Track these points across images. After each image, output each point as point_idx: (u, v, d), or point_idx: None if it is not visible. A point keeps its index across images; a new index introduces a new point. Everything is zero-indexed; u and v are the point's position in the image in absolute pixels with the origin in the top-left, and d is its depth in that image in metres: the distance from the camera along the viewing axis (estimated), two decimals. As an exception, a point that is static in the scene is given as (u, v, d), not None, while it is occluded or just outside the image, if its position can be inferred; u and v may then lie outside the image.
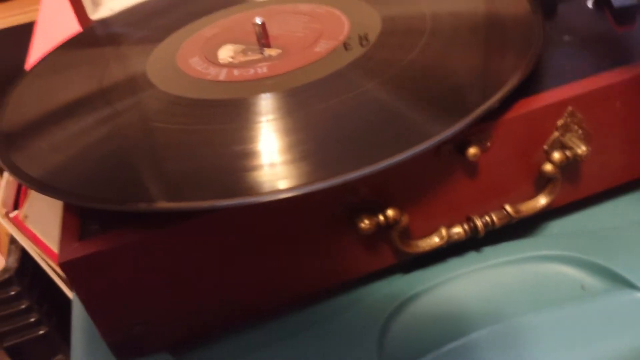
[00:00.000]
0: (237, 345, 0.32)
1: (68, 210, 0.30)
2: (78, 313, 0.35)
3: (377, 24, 0.37)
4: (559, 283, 0.32)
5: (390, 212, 0.29)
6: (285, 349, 0.31)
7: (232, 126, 0.30)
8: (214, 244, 0.28)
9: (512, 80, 0.29)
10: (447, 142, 0.29)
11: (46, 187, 0.29)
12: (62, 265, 0.27)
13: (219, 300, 0.30)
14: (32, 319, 0.64)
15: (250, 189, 0.26)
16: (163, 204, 0.26)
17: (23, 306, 0.63)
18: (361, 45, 0.35)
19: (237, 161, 0.28)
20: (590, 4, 0.38)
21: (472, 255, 0.34)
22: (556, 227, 0.36)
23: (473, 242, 0.34)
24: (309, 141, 0.28)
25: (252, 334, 0.33)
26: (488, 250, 0.34)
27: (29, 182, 0.30)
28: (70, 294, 0.66)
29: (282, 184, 0.25)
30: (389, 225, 0.30)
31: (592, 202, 0.36)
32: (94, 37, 0.46)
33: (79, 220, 0.29)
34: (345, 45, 0.35)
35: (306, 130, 0.29)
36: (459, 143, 0.29)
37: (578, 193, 0.34)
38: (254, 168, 0.27)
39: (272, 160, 0.27)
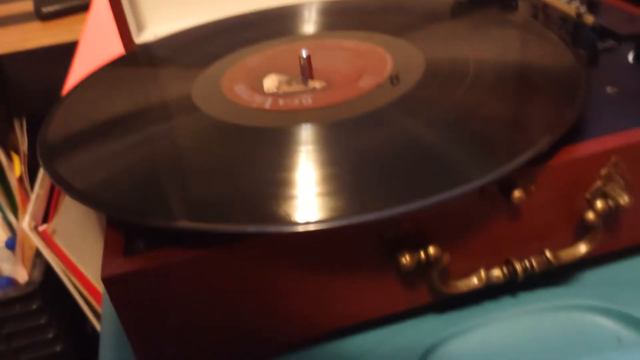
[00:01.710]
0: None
1: (111, 225, 0.30)
2: (107, 330, 0.35)
3: (421, 63, 0.38)
4: (594, 334, 0.32)
5: (432, 250, 0.29)
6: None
7: (276, 153, 0.31)
8: (255, 271, 0.28)
9: (561, 126, 0.29)
10: (493, 183, 0.29)
11: (90, 200, 0.29)
12: (104, 280, 0.27)
13: (253, 330, 0.30)
14: (50, 335, 0.63)
15: (295, 216, 0.26)
16: (204, 225, 0.26)
17: (42, 321, 0.62)
18: (396, 83, 0.35)
19: (279, 189, 0.28)
20: (631, 58, 0.39)
21: (507, 300, 0.34)
22: (593, 276, 0.35)
23: (508, 287, 0.34)
24: (351, 173, 0.28)
25: (282, 364, 0.33)
26: (523, 296, 0.34)
27: (72, 192, 0.30)
28: (89, 312, 0.66)
29: (322, 214, 0.26)
30: (430, 263, 0.30)
31: (631, 253, 0.36)
32: (141, 58, 0.47)
33: (123, 236, 0.29)
34: (392, 80, 0.36)
35: (349, 162, 0.29)
36: (504, 185, 0.30)
37: (617, 243, 0.34)
38: (294, 197, 0.27)
39: (323, 190, 0.28)
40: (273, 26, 0.48)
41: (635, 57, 0.38)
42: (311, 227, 0.25)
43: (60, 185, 0.31)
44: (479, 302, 0.34)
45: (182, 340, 0.30)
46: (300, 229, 0.26)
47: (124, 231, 0.29)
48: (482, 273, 0.31)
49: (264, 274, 0.29)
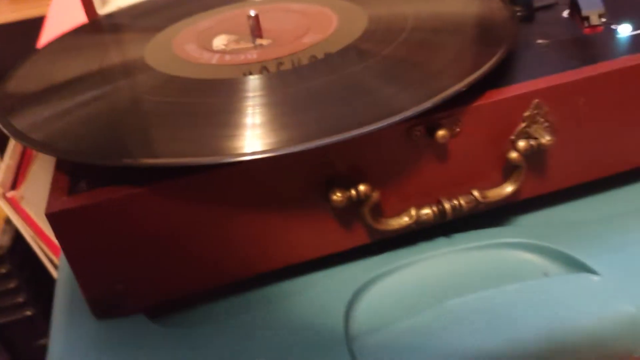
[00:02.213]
0: (212, 311, 0.34)
1: (59, 168, 0.32)
2: (63, 276, 0.37)
3: (364, 21, 0.40)
4: (522, 269, 0.34)
5: (361, 187, 0.31)
6: (257, 318, 0.32)
7: (218, 100, 0.32)
8: (191, 206, 0.30)
9: (480, 68, 0.31)
10: (418, 124, 0.31)
11: (33, 142, 0.31)
12: (49, 217, 0.29)
13: (194, 263, 0.32)
14: (20, 300, 0.65)
15: (226, 149, 0.28)
16: (141, 160, 0.28)
17: (12, 285, 0.64)
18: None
19: (218, 129, 0.30)
20: (565, 14, 0.40)
21: (441, 240, 0.36)
22: (526, 219, 0.37)
23: (444, 229, 0.36)
24: (287, 114, 0.30)
25: (226, 302, 0.34)
26: (458, 236, 0.36)
27: (21, 138, 0.32)
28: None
29: (256, 146, 0.27)
30: (360, 200, 0.31)
31: (561, 198, 0.38)
32: (100, 27, 0.49)
33: (69, 178, 0.31)
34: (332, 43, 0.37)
35: (285, 105, 0.31)
36: (429, 126, 0.31)
37: (545, 187, 0.36)
38: (234, 135, 0.29)
39: (251, 128, 0.29)
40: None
41: (570, 13, 0.40)
42: (247, 157, 0.27)
43: (14, 136, 0.33)
44: (415, 243, 0.36)
45: (127, 277, 0.31)
46: (240, 158, 0.27)
47: (70, 174, 0.31)
48: (413, 212, 0.33)
49: (201, 211, 0.30)
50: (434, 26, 0.38)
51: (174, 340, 0.32)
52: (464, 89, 0.30)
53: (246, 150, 0.27)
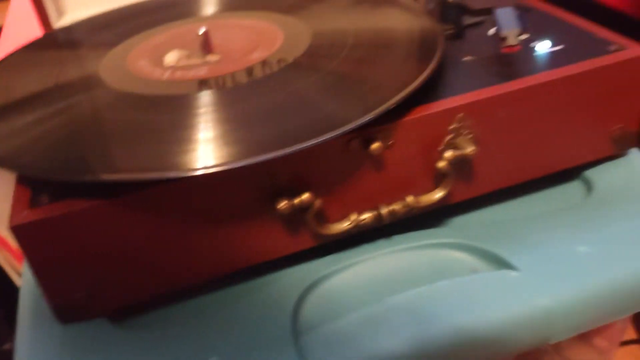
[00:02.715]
0: (171, 314, 0.36)
1: (20, 182, 0.34)
2: (27, 282, 0.39)
3: (308, 37, 0.42)
4: (453, 266, 0.38)
5: (305, 196, 0.34)
6: (213, 320, 0.35)
7: (168, 117, 0.35)
8: (147, 217, 0.32)
9: (408, 87, 0.35)
10: (355, 137, 0.34)
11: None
12: (13, 229, 0.31)
13: (152, 270, 0.34)
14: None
15: (176, 165, 0.30)
16: (98, 176, 0.30)
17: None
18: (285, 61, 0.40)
19: (169, 145, 0.32)
20: (491, 32, 0.44)
21: (382, 242, 0.39)
22: (458, 220, 0.41)
23: (386, 231, 0.39)
24: (234, 130, 0.33)
25: (184, 305, 0.37)
26: (397, 238, 0.39)
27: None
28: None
29: (205, 162, 0.30)
30: (304, 207, 0.34)
31: (489, 201, 0.42)
32: (55, 41, 0.50)
33: (30, 191, 0.33)
34: (278, 59, 0.40)
35: (232, 121, 0.34)
36: (365, 139, 0.34)
37: (472, 191, 0.39)
38: (184, 150, 0.32)
39: (201, 144, 0.32)
40: (181, 9, 0.52)
41: (495, 31, 0.44)
42: (197, 172, 0.30)
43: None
44: (359, 245, 0.39)
45: (89, 284, 0.34)
46: (190, 173, 0.30)
47: (32, 188, 0.33)
48: (353, 217, 0.36)
49: (157, 222, 0.33)
50: (371, 43, 0.41)
51: (134, 343, 0.34)
52: (394, 106, 0.33)
53: (196, 165, 0.30)
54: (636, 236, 0.37)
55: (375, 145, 0.34)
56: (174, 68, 0.41)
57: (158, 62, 0.42)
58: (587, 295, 0.34)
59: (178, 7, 0.52)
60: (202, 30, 0.42)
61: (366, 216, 0.37)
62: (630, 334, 0.79)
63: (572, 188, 0.43)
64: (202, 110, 0.35)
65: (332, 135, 0.31)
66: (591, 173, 0.42)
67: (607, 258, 0.35)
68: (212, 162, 0.30)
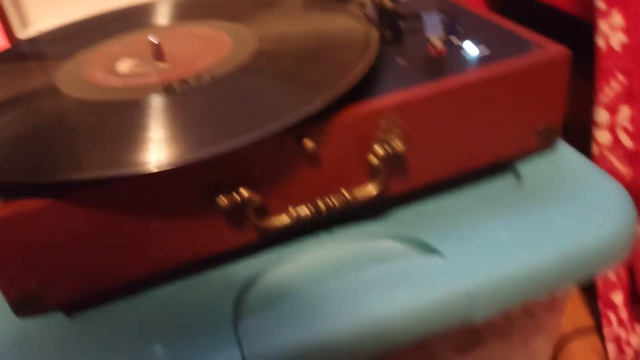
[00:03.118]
0: (119, 306, 0.39)
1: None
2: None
3: (254, 43, 0.45)
4: (387, 254, 0.40)
5: (244, 192, 0.37)
6: (160, 310, 0.38)
7: (118, 121, 0.37)
8: (96, 215, 0.35)
9: (343, 86, 0.37)
10: (290, 135, 0.37)
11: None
12: (-34, 229, 0.33)
13: (101, 265, 0.37)
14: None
15: (122, 163, 0.33)
16: (54, 177, 0.33)
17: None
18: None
19: (119, 145, 0.35)
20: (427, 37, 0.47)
21: (323, 235, 0.42)
22: (397, 212, 0.44)
23: (327, 224, 0.42)
24: (179, 130, 0.35)
25: (134, 297, 0.39)
26: (337, 231, 0.42)
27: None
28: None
29: (150, 160, 0.33)
30: (244, 203, 0.37)
31: (423, 193, 0.45)
32: (17, 53, 0.53)
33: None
34: (224, 65, 0.43)
35: (177, 122, 0.36)
36: (299, 137, 0.37)
37: (405, 185, 0.42)
38: (132, 150, 0.34)
39: (148, 144, 0.34)
40: (136, 19, 0.54)
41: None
42: (141, 171, 0.32)
43: None
44: (301, 238, 0.42)
45: (42, 278, 0.36)
46: (132, 171, 0.32)
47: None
48: (292, 211, 0.39)
49: (106, 219, 0.35)
50: (311, 46, 0.44)
51: (87, 334, 0.36)
52: (323, 106, 0.36)
53: (139, 164, 0.33)
54: (555, 221, 0.40)
55: (308, 143, 0.37)
56: (126, 76, 0.43)
57: (112, 70, 0.44)
58: (505, 276, 0.36)
59: (133, 18, 0.54)
60: (153, 40, 0.45)
61: (304, 210, 0.39)
62: (587, 321, 0.82)
63: (504, 180, 0.46)
64: (148, 113, 0.38)
65: (264, 133, 0.34)
66: (521, 165, 0.45)
67: (527, 242, 0.38)
68: (155, 161, 0.33)
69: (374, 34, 0.44)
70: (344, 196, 0.40)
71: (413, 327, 0.36)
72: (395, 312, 0.36)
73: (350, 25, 0.47)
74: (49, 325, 0.37)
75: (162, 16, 0.55)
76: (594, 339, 0.80)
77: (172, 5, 0.56)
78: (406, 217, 0.43)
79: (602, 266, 0.39)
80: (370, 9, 0.50)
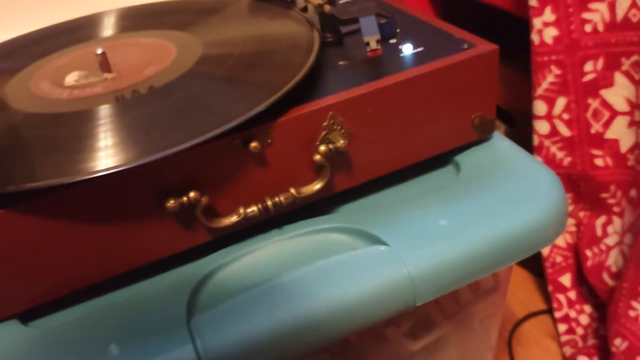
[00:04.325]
0: (74, 312, 0.40)
1: None
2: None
3: (199, 50, 0.47)
4: (335, 247, 0.42)
5: (191, 194, 0.38)
6: (113, 313, 0.39)
7: (67, 131, 0.38)
8: (48, 223, 0.36)
9: (283, 89, 0.39)
10: (235, 138, 0.38)
11: None
12: None
13: (55, 271, 0.38)
14: None
15: (69, 171, 0.34)
16: (6, 188, 0.34)
17: None
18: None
19: (65, 154, 0.36)
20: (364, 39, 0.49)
21: (274, 232, 0.44)
22: (344, 207, 0.46)
23: (278, 222, 0.44)
24: (124, 138, 0.37)
25: (90, 303, 0.40)
26: (287, 227, 0.44)
27: None
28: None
29: (96, 167, 0.34)
30: (192, 204, 0.38)
31: (373, 188, 0.47)
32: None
33: None
34: (167, 72, 0.44)
35: (122, 130, 0.37)
36: (244, 139, 0.39)
37: (351, 181, 0.44)
38: (79, 158, 0.35)
39: (94, 152, 0.36)
40: (83, 32, 0.55)
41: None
42: (90, 176, 0.34)
43: None
44: (253, 236, 0.43)
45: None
46: (80, 177, 0.34)
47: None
48: (241, 210, 0.41)
49: (58, 225, 0.36)
50: (255, 50, 0.45)
51: (43, 341, 0.37)
52: (264, 108, 0.38)
53: (88, 170, 0.34)
54: (491, 207, 0.42)
55: (253, 144, 0.38)
56: (72, 87, 0.44)
57: (59, 82, 0.45)
58: (443, 262, 0.39)
59: (79, 31, 0.55)
60: (99, 51, 0.46)
61: (253, 209, 0.41)
62: (540, 305, 0.86)
63: (444, 172, 0.48)
64: (95, 123, 0.39)
65: (210, 136, 0.35)
66: (460, 157, 0.48)
67: (463, 228, 0.40)
68: (104, 167, 0.34)
69: (316, 37, 0.46)
70: (291, 194, 0.42)
71: (363, 313, 0.38)
72: (345, 300, 0.38)
73: (293, 29, 0.49)
74: (5, 334, 0.37)
75: (108, 28, 0.56)
76: (546, 321, 0.84)
77: (117, 16, 0.57)
78: (353, 211, 0.45)
79: (536, 246, 0.42)
80: (312, 14, 0.52)
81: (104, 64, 0.46)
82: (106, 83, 0.44)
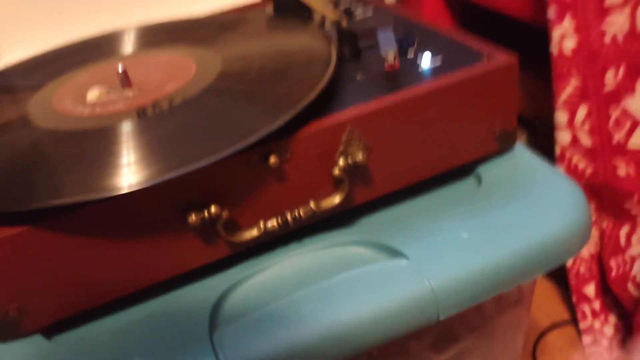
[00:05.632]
0: (98, 327, 0.40)
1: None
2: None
3: (218, 66, 0.47)
4: (355, 260, 0.42)
5: (212, 209, 0.38)
6: (137, 327, 0.39)
7: (90, 148, 0.39)
8: (71, 239, 0.36)
9: (301, 103, 0.39)
10: (254, 153, 0.39)
11: None
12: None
13: (79, 286, 0.38)
14: None
15: (94, 188, 0.34)
16: (31, 205, 0.34)
17: None
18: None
19: (89, 171, 0.36)
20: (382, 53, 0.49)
21: (294, 245, 0.44)
22: (364, 220, 0.46)
23: (297, 235, 0.44)
24: (147, 155, 0.37)
25: (113, 318, 0.40)
26: (307, 241, 0.44)
27: None
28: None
29: (119, 184, 0.34)
30: (213, 219, 0.39)
31: (388, 201, 0.46)
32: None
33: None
34: (188, 89, 0.45)
35: (145, 147, 0.38)
36: (263, 154, 0.39)
37: (370, 194, 0.44)
38: (104, 175, 0.36)
39: (117, 169, 0.36)
40: (103, 48, 0.56)
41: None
42: (113, 193, 0.34)
43: None
44: (273, 249, 0.43)
45: (21, 303, 0.37)
46: (104, 194, 0.34)
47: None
48: (261, 224, 0.41)
49: (83, 242, 0.37)
50: (273, 65, 0.46)
51: (65, 356, 0.37)
52: (283, 124, 0.38)
53: (111, 188, 0.34)
54: (513, 219, 0.42)
55: (273, 159, 0.39)
56: (94, 104, 0.45)
57: (81, 99, 0.46)
58: (466, 275, 0.38)
59: (100, 48, 0.56)
60: (120, 68, 0.46)
61: (273, 223, 0.41)
62: (564, 314, 0.84)
63: (466, 184, 0.48)
64: (117, 139, 0.39)
65: (230, 152, 0.36)
66: (481, 169, 0.48)
67: (486, 241, 0.40)
68: (127, 184, 0.34)
69: (333, 52, 0.46)
70: (310, 208, 0.42)
71: (384, 327, 0.38)
72: (366, 314, 0.38)
73: (310, 44, 0.49)
74: (29, 349, 0.37)
75: (129, 44, 0.57)
76: (570, 331, 0.83)
77: (137, 33, 0.58)
78: (372, 224, 0.45)
79: (559, 258, 0.41)
80: (329, 29, 0.52)
81: (125, 80, 0.47)
82: (128, 99, 0.44)
